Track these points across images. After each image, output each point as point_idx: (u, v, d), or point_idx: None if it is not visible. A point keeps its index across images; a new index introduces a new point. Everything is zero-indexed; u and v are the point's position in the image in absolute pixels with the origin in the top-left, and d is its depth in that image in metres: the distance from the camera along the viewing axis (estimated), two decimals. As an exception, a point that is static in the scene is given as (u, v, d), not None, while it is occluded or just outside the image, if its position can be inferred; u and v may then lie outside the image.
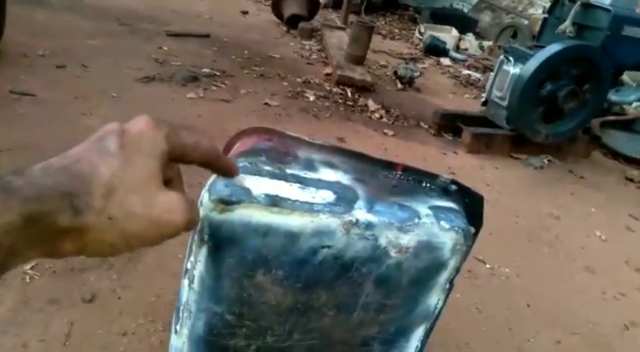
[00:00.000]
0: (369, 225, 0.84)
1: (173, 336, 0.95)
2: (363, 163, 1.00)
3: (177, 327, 0.93)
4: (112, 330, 1.34)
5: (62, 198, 0.32)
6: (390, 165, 1.01)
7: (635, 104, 4.12)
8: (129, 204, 0.35)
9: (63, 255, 0.35)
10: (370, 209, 0.87)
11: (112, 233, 0.35)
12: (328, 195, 0.86)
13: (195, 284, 0.86)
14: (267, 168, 0.88)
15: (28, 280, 1.43)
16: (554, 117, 3.30)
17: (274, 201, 0.80)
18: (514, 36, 6.38)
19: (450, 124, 3.52)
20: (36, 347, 1.25)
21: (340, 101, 3.65)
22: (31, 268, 1.47)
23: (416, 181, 1.01)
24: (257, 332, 0.91)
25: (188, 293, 0.88)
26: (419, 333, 1.04)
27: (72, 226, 0.33)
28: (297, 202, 0.81)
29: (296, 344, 0.96)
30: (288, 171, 0.89)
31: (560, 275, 2.16)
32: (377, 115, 3.58)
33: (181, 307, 0.91)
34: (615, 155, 3.82)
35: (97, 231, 0.34)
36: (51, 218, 0.32)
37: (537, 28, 3.75)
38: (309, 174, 0.91)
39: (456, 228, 0.91)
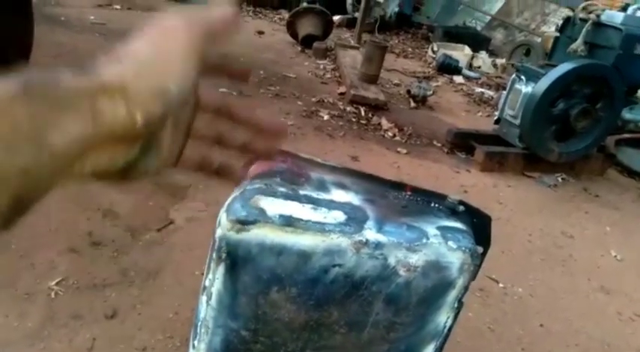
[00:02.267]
0: (378, 245, 0.88)
1: (191, 351, 0.99)
2: (374, 184, 1.04)
3: (195, 343, 0.97)
4: (132, 345, 1.39)
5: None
6: (399, 186, 1.05)
7: (650, 121, 4.10)
8: None
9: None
10: (380, 229, 0.90)
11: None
12: (339, 216, 0.90)
13: (213, 301, 0.90)
14: (282, 189, 0.93)
15: (53, 296, 1.49)
16: (567, 136, 3.31)
17: (288, 222, 0.84)
18: (527, 54, 6.41)
19: (463, 143, 3.55)
20: (60, 360, 1.31)
21: (354, 120, 3.71)
22: (56, 284, 1.53)
23: (425, 202, 1.05)
24: (271, 348, 0.95)
25: (206, 309, 0.92)
26: (429, 351, 1.07)
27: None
28: (310, 222, 0.85)
29: (308, 360, 0.99)
30: (302, 192, 0.94)
31: (575, 295, 2.15)
32: (390, 134, 3.62)
33: (199, 323, 0.95)
34: (631, 173, 3.79)
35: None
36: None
37: (550, 45, 3.78)
38: (322, 195, 0.95)
39: (463, 248, 0.94)
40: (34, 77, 0.28)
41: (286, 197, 0.90)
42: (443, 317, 1.02)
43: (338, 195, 0.98)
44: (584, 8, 3.25)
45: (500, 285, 2.07)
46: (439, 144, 3.61)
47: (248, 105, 0.43)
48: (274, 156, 0.47)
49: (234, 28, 0.37)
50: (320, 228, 0.86)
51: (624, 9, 3.42)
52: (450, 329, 1.06)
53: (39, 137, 0.26)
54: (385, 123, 3.75)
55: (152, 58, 0.32)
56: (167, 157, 0.38)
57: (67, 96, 0.28)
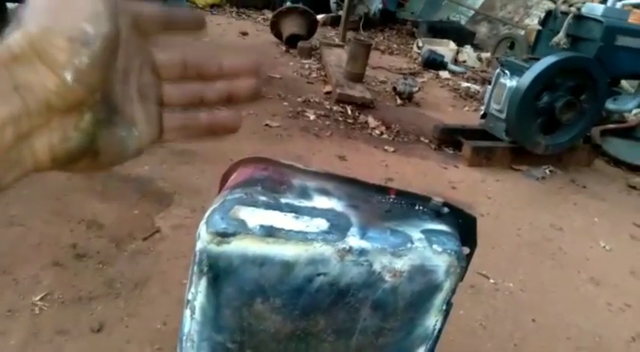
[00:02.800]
0: (362, 252, 0.87)
1: (177, 365, 0.98)
2: (357, 189, 1.03)
3: (181, 357, 0.96)
4: (119, 359, 1.37)
5: None
6: (382, 190, 1.03)
7: (635, 111, 4.14)
8: None
9: None
10: (363, 235, 0.89)
11: None
12: (322, 224, 0.89)
13: (197, 315, 0.89)
14: (263, 198, 0.91)
15: (37, 311, 1.46)
16: (552, 128, 3.32)
17: (269, 232, 0.83)
18: (511, 47, 6.44)
19: (450, 138, 3.55)
20: (45, 378, 1.28)
21: (340, 119, 3.70)
22: (40, 299, 1.50)
23: (408, 205, 1.04)
24: (258, 360, 0.93)
25: (190, 323, 0.90)
26: (419, 354, 1.06)
27: None
28: (292, 232, 0.84)
29: (297, 370, 0.98)
30: (283, 200, 0.92)
31: (565, 288, 2.16)
32: (377, 132, 3.62)
33: (184, 337, 0.93)
34: (617, 163, 3.83)
35: None
36: None
37: (533, 38, 3.79)
38: (304, 203, 0.94)
39: (449, 251, 0.93)
40: None
41: (267, 206, 0.89)
42: (432, 320, 1.01)
43: (320, 201, 0.96)
44: (565, 1, 3.27)
45: (491, 281, 2.07)
46: (426, 141, 3.61)
47: (211, 53, 0.39)
48: (260, 95, 0.42)
49: None
50: (302, 237, 0.84)
51: (604, 1, 3.45)
52: (440, 331, 1.05)
53: None
54: (372, 121, 3.74)
55: (52, 4, 0.28)
56: (147, 132, 0.35)
57: None
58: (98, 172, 0.33)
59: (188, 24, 0.38)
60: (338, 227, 0.89)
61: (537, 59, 3.21)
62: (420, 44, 6.36)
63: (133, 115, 0.34)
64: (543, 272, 2.24)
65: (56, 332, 1.41)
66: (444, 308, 1.01)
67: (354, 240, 0.87)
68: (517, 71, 3.22)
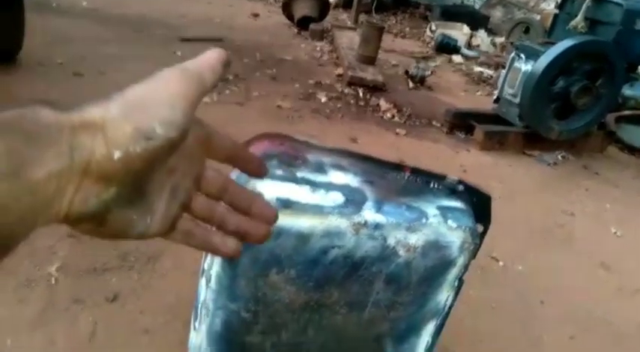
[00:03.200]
0: (377, 226, 0.88)
1: (192, 333, 1.00)
2: (372, 165, 1.03)
3: (196, 324, 0.98)
4: (134, 328, 1.40)
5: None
6: (398, 167, 1.03)
7: (651, 98, 4.07)
8: None
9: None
10: (379, 210, 0.90)
11: None
12: (338, 197, 0.89)
13: (213, 283, 0.90)
14: (279, 171, 0.92)
15: (53, 281, 1.50)
16: (567, 114, 3.29)
17: (286, 204, 0.83)
18: (526, 32, 6.33)
19: (462, 122, 3.53)
20: (63, 344, 1.32)
21: (352, 102, 3.68)
22: (56, 269, 1.54)
23: (424, 182, 1.04)
24: (272, 329, 0.95)
25: (206, 291, 0.92)
26: (429, 329, 1.07)
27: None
28: (308, 204, 0.85)
29: (310, 340, 0.99)
30: (299, 174, 0.93)
31: (575, 272, 2.16)
32: (389, 115, 3.60)
33: (199, 305, 0.95)
34: (631, 150, 3.78)
35: None
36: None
37: (549, 23, 3.73)
38: (319, 177, 0.94)
39: (463, 227, 0.93)
40: (12, 112, 0.27)
41: (283, 179, 0.89)
42: (443, 296, 1.03)
43: (336, 176, 0.97)
44: (584, -17, 3.20)
45: (501, 263, 2.07)
46: (438, 125, 3.58)
47: (249, 193, 0.44)
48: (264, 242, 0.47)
49: (221, 70, 0.37)
50: (318, 209, 0.85)
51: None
52: (450, 307, 1.06)
53: (17, 172, 0.26)
54: (384, 104, 3.72)
55: (140, 99, 0.32)
56: (158, 226, 0.38)
57: (47, 132, 0.28)
58: (97, 237, 0.36)
59: (248, 166, 0.44)
60: (353, 201, 0.89)
61: (553, 43, 3.16)
62: (433, 28, 6.27)
63: (154, 207, 0.37)
64: (554, 256, 2.24)
65: (72, 300, 1.44)
66: (456, 284, 1.02)
67: (369, 214, 0.88)
68: (532, 55, 3.18)
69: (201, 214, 0.42)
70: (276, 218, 0.46)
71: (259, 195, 0.47)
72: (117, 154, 0.30)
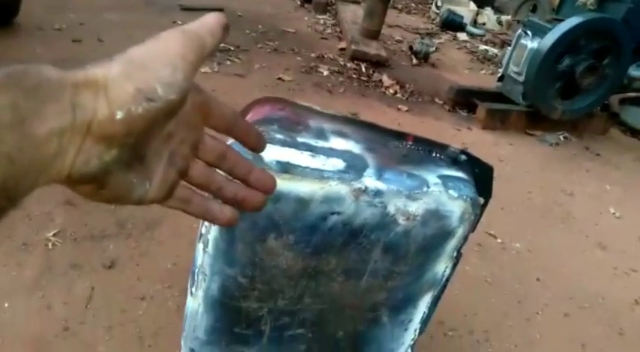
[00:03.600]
0: (377, 193, 0.86)
1: (189, 298, 0.99)
2: (375, 133, 1.02)
3: (193, 290, 0.97)
4: (131, 295, 1.40)
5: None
6: (400, 136, 1.02)
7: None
8: None
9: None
10: (379, 177, 0.88)
11: None
12: (338, 163, 0.88)
13: (210, 248, 0.89)
14: (279, 136, 0.90)
15: (50, 246, 1.49)
16: (571, 93, 3.24)
17: (285, 168, 0.82)
18: (533, 10, 6.21)
19: (464, 100, 3.49)
20: (60, 308, 1.32)
21: (354, 76, 3.63)
22: (54, 235, 1.53)
23: (426, 151, 1.02)
24: (269, 295, 0.95)
25: (203, 256, 0.91)
26: (426, 300, 1.07)
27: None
28: (308, 169, 0.83)
29: (306, 308, 0.99)
30: (300, 139, 0.91)
31: (572, 251, 2.17)
32: (391, 91, 3.55)
33: (196, 270, 0.94)
34: (634, 132, 3.75)
35: None
36: None
37: (557, 1, 3.65)
38: (320, 143, 0.93)
39: (464, 197, 0.92)
40: (16, 68, 0.28)
41: (284, 144, 0.87)
42: (441, 267, 1.02)
43: (337, 143, 0.95)
44: (595, -41, 3.12)
45: (499, 241, 2.08)
46: (441, 102, 3.55)
47: (247, 161, 0.43)
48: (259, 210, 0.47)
49: (221, 34, 0.37)
50: (318, 175, 0.84)
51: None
52: (448, 279, 1.06)
53: (21, 125, 0.27)
54: (386, 80, 3.67)
55: (142, 60, 0.32)
56: (156, 191, 0.38)
57: (49, 88, 0.28)
58: (96, 201, 0.36)
59: (247, 138, 0.43)
60: (354, 167, 0.88)
61: (561, 20, 3.09)
62: (439, 4, 6.16)
63: (153, 172, 0.37)
64: (551, 235, 2.24)
65: (70, 266, 1.44)
66: (455, 255, 1.01)
67: (369, 181, 0.86)
68: (539, 32, 3.12)
69: (199, 181, 0.42)
70: (274, 187, 0.45)
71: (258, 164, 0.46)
72: (119, 115, 0.30)
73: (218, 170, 0.44)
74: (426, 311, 1.10)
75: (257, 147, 0.45)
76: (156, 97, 0.31)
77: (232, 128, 0.42)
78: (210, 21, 0.37)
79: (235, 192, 0.43)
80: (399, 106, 3.30)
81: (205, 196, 0.43)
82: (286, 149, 0.86)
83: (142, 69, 0.31)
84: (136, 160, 0.34)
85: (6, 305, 1.31)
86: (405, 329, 1.11)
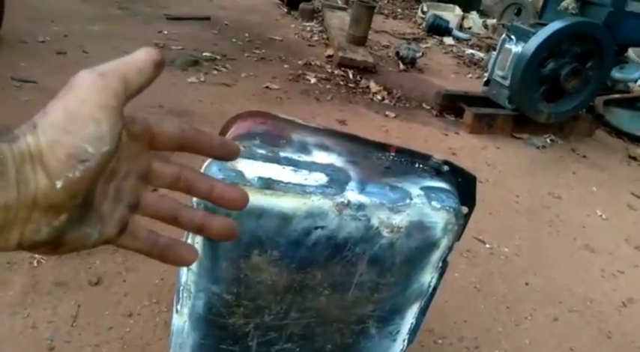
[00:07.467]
0: (360, 206, 0.86)
1: (175, 316, 0.99)
2: (357, 145, 1.02)
3: (178, 307, 0.96)
4: (118, 311, 1.38)
5: None
6: (383, 147, 1.02)
7: (640, 81, 4.08)
8: None
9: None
10: (362, 190, 0.88)
11: None
12: (321, 177, 0.88)
13: (194, 266, 0.89)
14: (261, 151, 0.90)
15: (35, 264, 1.47)
16: (556, 96, 3.28)
17: (267, 184, 0.82)
18: (518, 13, 6.29)
19: (452, 105, 3.51)
20: (45, 327, 1.30)
21: (342, 83, 3.64)
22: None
23: (409, 162, 1.03)
24: (255, 311, 0.94)
25: (187, 274, 0.91)
26: (413, 311, 1.07)
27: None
28: (290, 184, 0.83)
29: (293, 323, 0.99)
30: (282, 154, 0.91)
31: (560, 254, 2.18)
32: (379, 97, 3.57)
33: (181, 288, 0.93)
34: (619, 133, 3.80)
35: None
36: None
37: (540, 4, 3.69)
38: (303, 157, 0.93)
39: (447, 208, 0.92)
40: None
41: (266, 159, 0.87)
42: (427, 277, 1.02)
43: (320, 156, 0.95)
44: (576, -36, 3.16)
45: (487, 246, 2.08)
46: (428, 107, 3.57)
47: (206, 177, 0.39)
48: (234, 238, 0.43)
49: (151, 70, 0.35)
50: (301, 190, 0.84)
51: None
52: (435, 289, 1.06)
53: None
54: (374, 86, 3.69)
55: (63, 122, 0.31)
56: (108, 232, 0.36)
57: None
58: (53, 256, 0.34)
59: (208, 149, 0.39)
60: (337, 181, 0.88)
61: (544, 25, 3.13)
62: (425, 9, 6.20)
63: (103, 214, 0.35)
64: (539, 238, 2.26)
65: (55, 284, 1.42)
66: (440, 265, 1.01)
67: (352, 195, 0.86)
68: (523, 36, 3.15)
69: (153, 212, 0.39)
70: (242, 200, 0.40)
71: (219, 178, 0.43)
72: (59, 184, 0.30)
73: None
74: (414, 322, 1.09)
75: (224, 155, 0.40)
76: (89, 156, 0.31)
77: (184, 142, 0.38)
78: (140, 57, 0.35)
79: (191, 219, 0.40)
80: (387, 112, 3.31)
81: (158, 236, 0.40)
82: (268, 164, 0.86)
83: (66, 132, 0.30)
84: (85, 211, 0.34)
85: (-10, 325, 1.29)
86: (394, 340, 1.10)
